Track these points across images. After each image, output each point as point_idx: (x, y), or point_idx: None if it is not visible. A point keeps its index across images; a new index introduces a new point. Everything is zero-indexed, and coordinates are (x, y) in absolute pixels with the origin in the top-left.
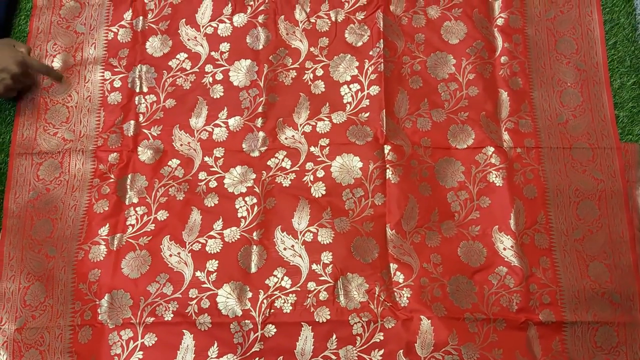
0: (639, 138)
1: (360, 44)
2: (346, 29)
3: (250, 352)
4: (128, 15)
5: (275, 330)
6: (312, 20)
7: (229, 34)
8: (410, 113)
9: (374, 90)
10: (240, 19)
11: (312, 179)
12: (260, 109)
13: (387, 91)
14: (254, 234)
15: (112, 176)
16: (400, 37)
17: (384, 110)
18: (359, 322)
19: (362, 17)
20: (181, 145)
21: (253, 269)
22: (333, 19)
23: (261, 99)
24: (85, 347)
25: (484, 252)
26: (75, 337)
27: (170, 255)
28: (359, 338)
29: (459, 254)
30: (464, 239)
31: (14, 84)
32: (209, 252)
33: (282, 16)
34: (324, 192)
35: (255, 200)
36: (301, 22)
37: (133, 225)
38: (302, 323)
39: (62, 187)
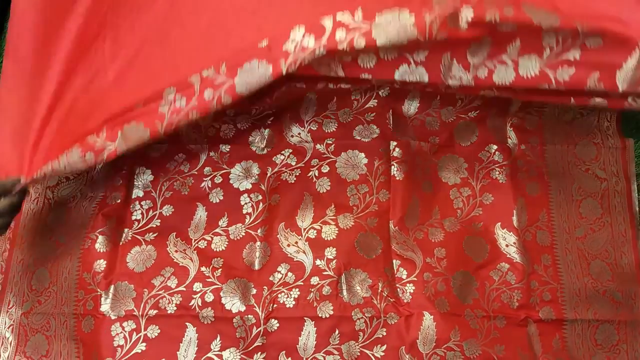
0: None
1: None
2: None
3: (253, 346)
4: None
5: (278, 325)
6: None
7: None
8: (419, 112)
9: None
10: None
11: (317, 174)
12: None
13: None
14: (259, 230)
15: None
16: None
17: (391, 110)
18: (362, 317)
19: None
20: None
21: (257, 266)
22: None
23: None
24: (88, 337)
25: (487, 247)
26: (79, 325)
27: (176, 252)
28: (361, 334)
29: (464, 247)
30: (467, 233)
31: None
32: (215, 249)
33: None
34: (328, 188)
35: (260, 197)
36: None
37: (139, 221)
38: (305, 318)
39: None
